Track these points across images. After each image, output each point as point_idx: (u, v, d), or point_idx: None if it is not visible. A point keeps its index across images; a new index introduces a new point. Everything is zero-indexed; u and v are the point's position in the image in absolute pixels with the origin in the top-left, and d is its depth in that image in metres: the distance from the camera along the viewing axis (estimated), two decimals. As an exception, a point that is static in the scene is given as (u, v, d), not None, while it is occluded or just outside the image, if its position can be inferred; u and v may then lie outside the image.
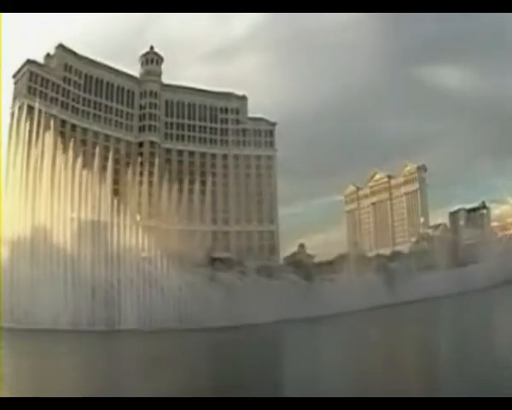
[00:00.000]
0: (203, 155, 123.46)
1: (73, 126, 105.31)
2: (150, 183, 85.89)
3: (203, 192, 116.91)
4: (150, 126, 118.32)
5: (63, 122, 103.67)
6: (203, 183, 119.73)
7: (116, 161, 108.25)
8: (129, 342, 33.10)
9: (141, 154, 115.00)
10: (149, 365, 21.60)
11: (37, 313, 37.76)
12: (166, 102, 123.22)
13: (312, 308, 41.24)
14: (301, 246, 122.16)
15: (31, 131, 72.37)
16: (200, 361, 23.04)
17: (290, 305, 41.58)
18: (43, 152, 67.99)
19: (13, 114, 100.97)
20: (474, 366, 16.26)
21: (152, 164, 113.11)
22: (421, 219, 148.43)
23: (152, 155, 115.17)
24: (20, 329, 34.50)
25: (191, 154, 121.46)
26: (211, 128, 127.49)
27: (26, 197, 65.37)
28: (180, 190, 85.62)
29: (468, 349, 20.59)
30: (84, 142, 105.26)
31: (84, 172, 57.96)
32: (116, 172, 79.31)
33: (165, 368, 19.87)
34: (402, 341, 26.74)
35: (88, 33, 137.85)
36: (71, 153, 60.43)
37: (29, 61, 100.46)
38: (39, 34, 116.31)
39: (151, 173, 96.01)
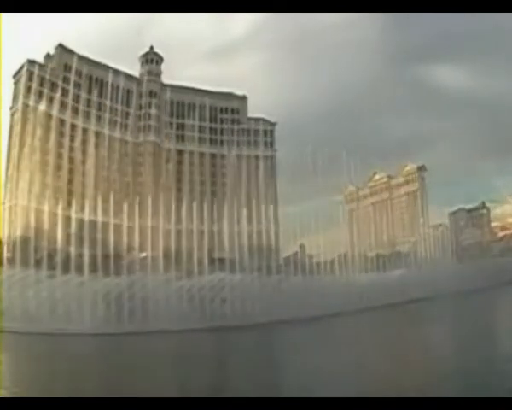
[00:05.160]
0: (203, 154, 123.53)
1: (73, 126, 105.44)
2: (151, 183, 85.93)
3: (203, 192, 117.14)
4: (150, 126, 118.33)
5: (62, 122, 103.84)
6: (203, 183, 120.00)
7: (117, 162, 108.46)
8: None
9: (141, 154, 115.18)
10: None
11: None
12: (166, 102, 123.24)
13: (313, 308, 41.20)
14: (301, 246, 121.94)
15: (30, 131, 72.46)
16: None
17: (291, 305, 41.54)
18: (43, 152, 68.14)
19: (13, 114, 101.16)
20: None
21: (153, 164, 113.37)
22: (421, 219, 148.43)
23: (152, 155, 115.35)
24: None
25: (191, 154, 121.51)
26: (211, 128, 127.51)
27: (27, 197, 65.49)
28: (180, 190, 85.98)
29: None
30: (84, 142, 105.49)
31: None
32: (117, 172, 79.37)
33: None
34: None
35: (88, 33, 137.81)
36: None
37: (29, 61, 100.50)
38: (39, 34, 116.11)
39: (152, 174, 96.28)
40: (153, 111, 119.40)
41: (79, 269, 45.68)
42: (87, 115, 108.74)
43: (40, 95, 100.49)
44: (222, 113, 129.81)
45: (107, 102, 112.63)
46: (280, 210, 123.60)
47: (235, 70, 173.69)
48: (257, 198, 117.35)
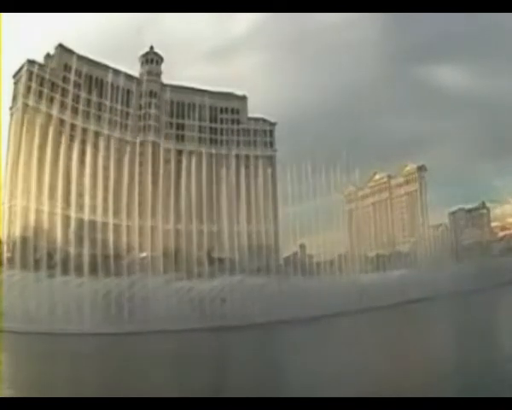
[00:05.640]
0: (203, 154, 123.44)
1: (73, 126, 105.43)
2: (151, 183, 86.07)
3: (202, 192, 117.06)
4: (150, 126, 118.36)
5: (62, 122, 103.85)
6: (202, 183, 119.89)
7: (117, 162, 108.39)
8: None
9: (141, 154, 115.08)
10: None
11: None
12: (166, 102, 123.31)
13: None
14: (301, 246, 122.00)
15: (30, 131, 72.36)
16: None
17: (291, 305, 41.50)
18: (43, 152, 68.12)
19: (13, 114, 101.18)
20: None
21: (152, 164, 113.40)
22: (421, 219, 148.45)
23: (152, 155, 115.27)
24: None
25: (191, 154, 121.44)
26: (211, 128, 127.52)
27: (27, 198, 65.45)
28: (179, 190, 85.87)
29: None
30: (83, 142, 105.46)
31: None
32: (117, 172, 79.45)
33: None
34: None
35: (88, 33, 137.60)
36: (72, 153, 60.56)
37: (29, 61, 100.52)
38: (39, 34, 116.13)
39: (152, 174, 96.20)
40: (153, 111, 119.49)
41: (79, 269, 45.69)
42: (87, 115, 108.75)
43: (40, 95, 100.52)
44: (222, 113, 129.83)
45: (107, 102, 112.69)
46: (280, 210, 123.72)
47: (235, 70, 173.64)
48: (256, 198, 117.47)
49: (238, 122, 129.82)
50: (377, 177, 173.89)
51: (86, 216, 59.01)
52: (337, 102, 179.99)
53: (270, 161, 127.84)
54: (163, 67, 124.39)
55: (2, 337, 31.21)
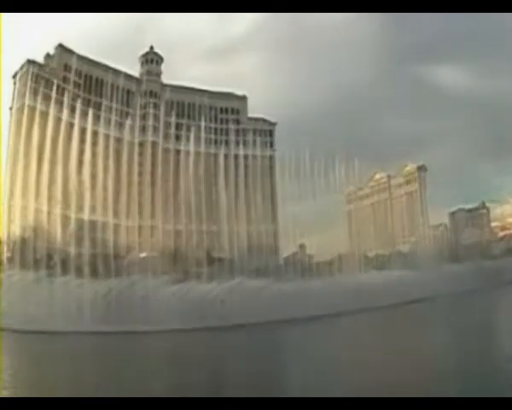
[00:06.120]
0: (202, 154, 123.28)
1: (72, 126, 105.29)
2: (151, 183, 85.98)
3: (202, 192, 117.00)
4: (150, 126, 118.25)
5: (62, 122, 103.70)
6: (202, 183, 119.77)
7: (116, 162, 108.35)
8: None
9: (140, 154, 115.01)
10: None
11: None
12: (166, 102, 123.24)
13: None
14: (301, 246, 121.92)
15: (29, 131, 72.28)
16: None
17: (291, 305, 41.45)
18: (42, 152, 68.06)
19: (13, 114, 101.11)
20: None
21: (152, 164, 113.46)
22: (421, 219, 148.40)
23: (152, 155, 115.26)
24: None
25: (190, 154, 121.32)
26: (210, 128, 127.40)
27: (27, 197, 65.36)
28: (179, 190, 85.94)
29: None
30: (83, 142, 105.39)
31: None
32: (116, 172, 79.48)
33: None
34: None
35: (88, 33, 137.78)
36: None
37: (29, 61, 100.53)
38: (39, 34, 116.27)
39: (151, 174, 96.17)
40: (152, 111, 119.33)
41: (79, 269, 45.66)
42: (87, 115, 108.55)
43: (40, 94, 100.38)
44: (222, 113, 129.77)
45: (107, 102, 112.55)
46: (280, 210, 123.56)
47: (235, 70, 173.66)
48: (256, 198, 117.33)
49: (238, 122, 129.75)
50: (377, 177, 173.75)
51: (86, 216, 59.00)
52: (337, 102, 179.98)
53: (270, 161, 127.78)
54: (163, 67, 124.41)
55: (1, 337, 31.19)
